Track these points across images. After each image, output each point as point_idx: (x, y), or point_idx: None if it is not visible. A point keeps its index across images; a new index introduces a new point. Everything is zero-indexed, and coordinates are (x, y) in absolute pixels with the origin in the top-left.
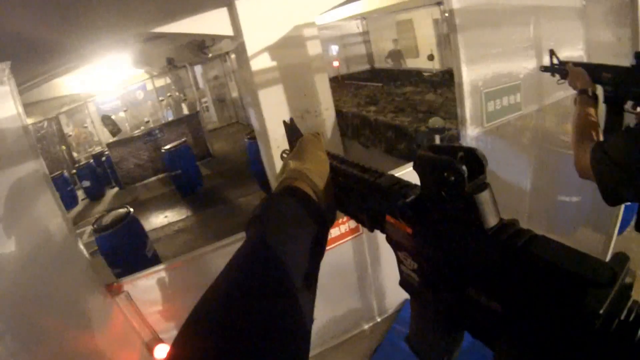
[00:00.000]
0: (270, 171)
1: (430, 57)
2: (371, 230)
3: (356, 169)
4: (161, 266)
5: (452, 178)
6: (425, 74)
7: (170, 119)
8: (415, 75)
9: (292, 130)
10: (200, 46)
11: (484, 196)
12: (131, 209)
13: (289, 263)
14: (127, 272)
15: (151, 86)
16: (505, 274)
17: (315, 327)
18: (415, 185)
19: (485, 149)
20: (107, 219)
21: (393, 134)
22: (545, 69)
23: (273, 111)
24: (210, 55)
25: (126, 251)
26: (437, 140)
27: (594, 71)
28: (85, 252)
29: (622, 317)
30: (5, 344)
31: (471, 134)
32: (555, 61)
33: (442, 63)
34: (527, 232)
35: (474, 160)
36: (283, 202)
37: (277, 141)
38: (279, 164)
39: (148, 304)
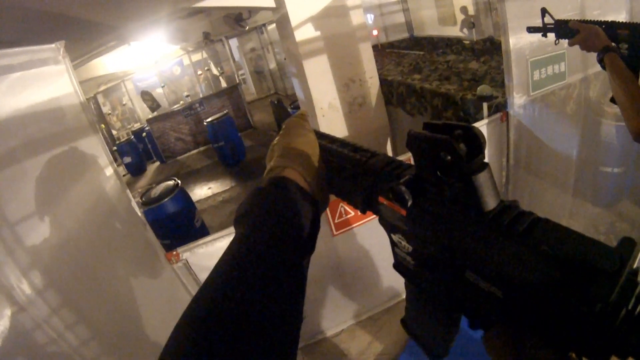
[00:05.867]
0: None
1: (471, 25)
2: (363, 212)
3: (347, 149)
4: (222, 233)
5: (449, 158)
6: (466, 42)
7: (207, 93)
8: (457, 44)
9: (279, 110)
10: (237, 19)
11: (483, 177)
12: (179, 181)
13: (276, 262)
14: (176, 243)
15: (188, 61)
16: (506, 259)
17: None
18: (410, 166)
19: (532, 118)
20: (155, 192)
21: (439, 102)
22: (533, 29)
23: (318, 80)
24: (247, 27)
25: (176, 222)
26: (485, 108)
27: (608, 29)
28: (144, 220)
29: (630, 306)
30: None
31: (518, 102)
32: (549, 20)
33: (482, 31)
34: (529, 214)
35: (472, 138)
36: (271, 196)
37: (322, 110)
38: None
39: (206, 273)
